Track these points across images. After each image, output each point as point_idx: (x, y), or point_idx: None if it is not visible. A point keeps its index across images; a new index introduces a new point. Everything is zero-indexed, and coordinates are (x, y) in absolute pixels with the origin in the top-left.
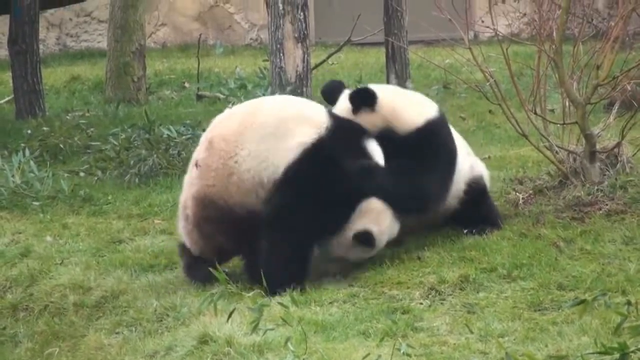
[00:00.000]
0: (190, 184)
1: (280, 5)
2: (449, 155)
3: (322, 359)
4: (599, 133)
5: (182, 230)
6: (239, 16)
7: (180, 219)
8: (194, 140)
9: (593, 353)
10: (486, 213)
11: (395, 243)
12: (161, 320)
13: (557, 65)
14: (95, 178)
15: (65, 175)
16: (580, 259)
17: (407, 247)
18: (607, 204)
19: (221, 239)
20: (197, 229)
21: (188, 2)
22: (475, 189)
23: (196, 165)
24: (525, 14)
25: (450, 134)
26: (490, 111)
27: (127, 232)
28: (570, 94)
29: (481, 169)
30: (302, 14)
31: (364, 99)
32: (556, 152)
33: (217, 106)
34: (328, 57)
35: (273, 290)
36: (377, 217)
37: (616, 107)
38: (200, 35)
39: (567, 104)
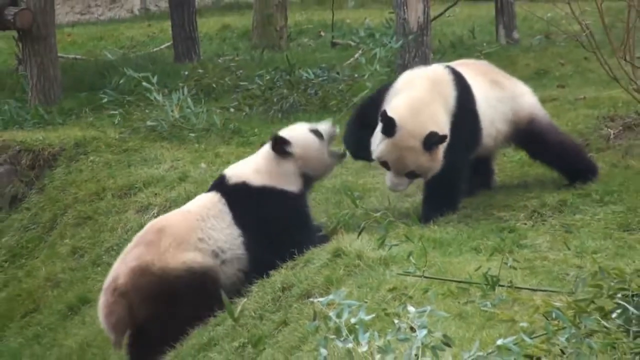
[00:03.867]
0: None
1: None
2: None
3: (440, 271)
4: None
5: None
6: None
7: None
8: (329, 81)
9: None
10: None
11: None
12: None
13: None
14: (244, 113)
15: (217, 110)
16: None
17: (513, 175)
18: None
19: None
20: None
21: None
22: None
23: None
24: None
25: None
26: (585, 58)
27: None
28: None
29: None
30: None
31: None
32: None
33: (349, 52)
34: (445, 10)
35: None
36: None
37: None
38: None
39: None
